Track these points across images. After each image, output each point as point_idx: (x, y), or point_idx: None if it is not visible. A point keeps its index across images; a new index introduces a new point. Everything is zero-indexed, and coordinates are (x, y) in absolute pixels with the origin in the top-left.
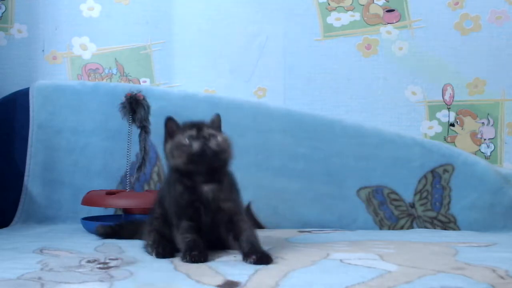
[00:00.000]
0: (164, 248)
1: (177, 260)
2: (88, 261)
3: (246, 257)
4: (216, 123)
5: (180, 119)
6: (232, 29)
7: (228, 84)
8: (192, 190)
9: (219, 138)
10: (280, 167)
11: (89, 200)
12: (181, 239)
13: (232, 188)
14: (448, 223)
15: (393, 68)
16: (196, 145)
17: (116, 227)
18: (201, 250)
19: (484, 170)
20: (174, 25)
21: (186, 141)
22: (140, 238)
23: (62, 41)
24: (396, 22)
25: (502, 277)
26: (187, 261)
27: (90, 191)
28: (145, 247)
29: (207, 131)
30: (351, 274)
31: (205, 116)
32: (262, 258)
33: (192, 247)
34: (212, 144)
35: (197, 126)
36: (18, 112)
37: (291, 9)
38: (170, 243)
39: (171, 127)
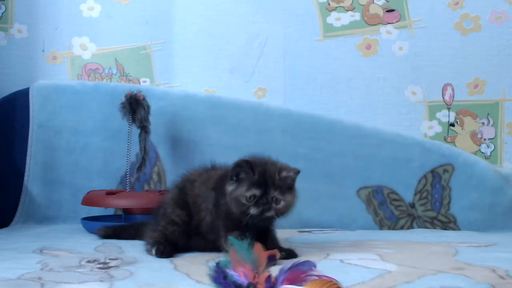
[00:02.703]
0: (165, 247)
1: (177, 260)
2: (88, 261)
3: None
4: (289, 180)
5: (180, 119)
6: (232, 29)
7: (228, 84)
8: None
9: (282, 203)
10: None
11: (89, 200)
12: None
13: None
14: (448, 223)
15: (393, 68)
16: (253, 211)
17: (117, 228)
18: None
19: (484, 170)
20: (174, 25)
21: (245, 201)
22: (141, 239)
23: (62, 41)
24: (396, 22)
25: (502, 277)
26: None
27: (90, 191)
28: (145, 245)
29: (272, 193)
30: (351, 274)
31: (205, 116)
32: (289, 254)
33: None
34: (271, 212)
35: (266, 185)
36: (18, 112)
37: (291, 9)
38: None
39: (239, 173)
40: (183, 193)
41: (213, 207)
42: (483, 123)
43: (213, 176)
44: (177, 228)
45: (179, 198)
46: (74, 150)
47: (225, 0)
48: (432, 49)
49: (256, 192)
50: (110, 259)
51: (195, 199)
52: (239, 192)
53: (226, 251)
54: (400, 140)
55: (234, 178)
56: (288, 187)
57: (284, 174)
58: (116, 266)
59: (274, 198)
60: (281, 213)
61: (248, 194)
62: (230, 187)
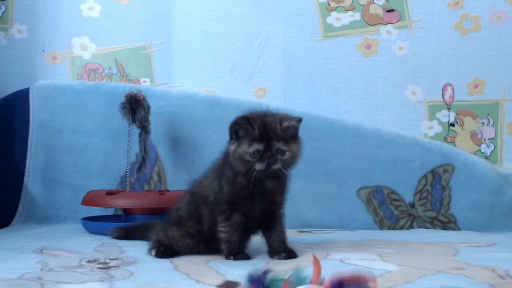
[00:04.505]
0: (166, 247)
1: (177, 260)
2: (88, 261)
3: (274, 253)
4: (291, 129)
5: (180, 119)
6: (232, 29)
7: (228, 84)
8: (255, 184)
9: (288, 154)
10: None
11: (89, 200)
12: (229, 235)
13: (286, 181)
14: (448, 223)
15: (393, 68)
16: (259, 166)
17: (129, 229)
18: (243, 251)
19: (484, 170)
20: (174, 25)
21: (249, 158)
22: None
23: (62, 41)
24: (396, 22)
25: (502, 277)
26: (232, 259)
27: (90, 191)
28: (148, 244)
29: (276, 145)
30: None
31: (205, 116)
32: (290, 255)
33: (238, 248)
34: (277, 164)
35: (268, 137)
36: (18, 112)
37: (291, 9)
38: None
39: (238, 130)
40: (193, 196)
41: (216, 186)
42: (483, 123)
43: (217, 161)
44: (191, 242)
45: (190, 202)
46: (74, 150)
47: (225, 0)
48: (432, 49)
49: (259, 146)
50: (110, 259)
51: (202, 194)
52: (242, 150)
53: (219, 236)
54: (400, 140)
55: (234, 136)
56: (292, 136)
57: (285, 124)
58: (116, 266)
59: (279, 150)
60: (288, 164)
61: (251, 150)
62: (232, 147)
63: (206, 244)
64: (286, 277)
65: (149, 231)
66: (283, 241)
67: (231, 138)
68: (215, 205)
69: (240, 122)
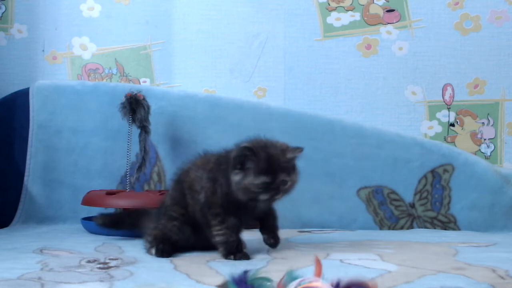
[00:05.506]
0: (165, 245)
1: (177, 260)
2: (88, 261)
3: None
4: (293, 160)
5: (180, 119)
6: (232, 29)
7: (228, 84)
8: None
9: (289, 184)
10: None
11: (89, 200)
12: (226, 236)
13: None
14: (448, 223)
15: (393, 68)
16: (263, 197)
17: (115, 217)
18: (242, 250)
19: (484, 170)
20: (174, 25)
21: (256, 189)
22: (139, 229)
23: (62, 41)
24: (396, 22)
25: (502, 277)
26: (233, 259)
27: (90, 191)
28: (144, 243)
29: (280, 177)
30: (351, 274)
31: (205, 116)
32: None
33: (237, 247)
34: (280, 194)
35: (273, 170)
36: (18, 112)
37: (291, 9)
38: (172, 245)
39: (244, 161)
40: (179, 183)
41: (209, 189)
42: (483, 123)
43: (210, 159)
44: (176, 223)
45: (176, 189)
46: (74, 150)
47: (225, 0)
48: (432, 49)
49: (266, 179)
50: (110, 259)
51: (190, 185)
52: (248, 181)
53: (214, 240)
54: (400, 140)
55: (239, 167)
56: (292, 167)
57: (289, 155)
58: (116, 266)
59: (283, 181)
60: (287, 192)
61: (258, 182)
62: (236, 177)
63: (191, 227)
64: (266, 274)
65: (138, 220)
66: (275, 226)
67: (235, 167)
68: (208, 208)
69: (247, 153)
